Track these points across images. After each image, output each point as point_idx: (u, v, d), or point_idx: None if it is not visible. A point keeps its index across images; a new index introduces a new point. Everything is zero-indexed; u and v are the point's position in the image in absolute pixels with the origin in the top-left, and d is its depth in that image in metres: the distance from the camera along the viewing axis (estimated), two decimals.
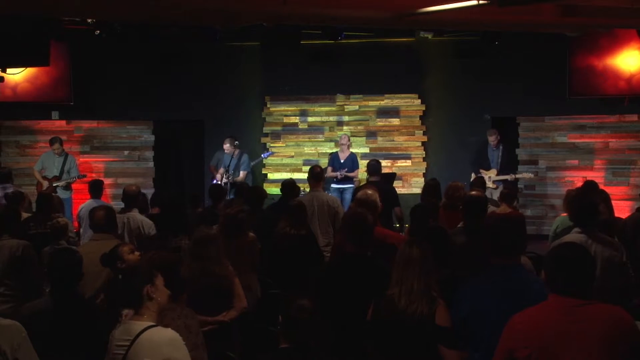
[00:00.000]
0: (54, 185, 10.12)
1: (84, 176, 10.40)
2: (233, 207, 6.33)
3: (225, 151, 10.46)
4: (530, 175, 10.55)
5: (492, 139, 10.47)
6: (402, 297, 3.65)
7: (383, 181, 8.42)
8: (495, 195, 8.80)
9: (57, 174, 10.25)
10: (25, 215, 6.92)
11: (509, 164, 10.52)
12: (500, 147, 10.47)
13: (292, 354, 3.24)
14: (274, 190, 10.86)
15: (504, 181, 10.15)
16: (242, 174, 10.39)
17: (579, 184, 10.19)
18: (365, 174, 10.72)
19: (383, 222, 6.18)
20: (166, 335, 3.17)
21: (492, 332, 3.19)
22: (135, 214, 6.60)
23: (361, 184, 10.00)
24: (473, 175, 10.22)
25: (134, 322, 3.19)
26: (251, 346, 4.86)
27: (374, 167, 8.28)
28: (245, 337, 4.98)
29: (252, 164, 10.73)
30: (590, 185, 7.52)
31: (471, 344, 3.56)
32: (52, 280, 3.93)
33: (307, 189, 8.09)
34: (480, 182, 8.39)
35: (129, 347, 3.14)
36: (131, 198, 6.79)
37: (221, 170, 10.45)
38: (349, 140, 10.67)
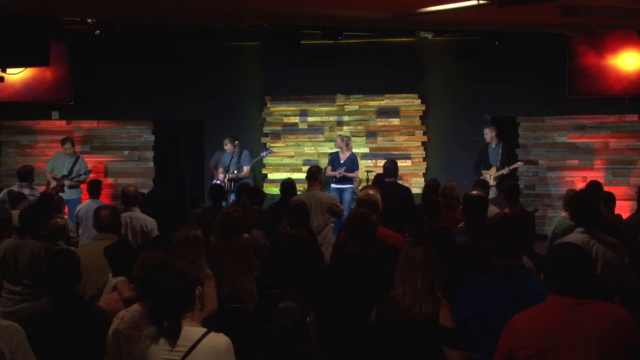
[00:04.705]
0: (62, 183, 10.02)
1: (91, 171, 10.33)
2: (229, 205, 6.28)
3: (227, 151, 10.44)
4: (520, 163, 10.42)
5: (486, 133, 10.42)
6: (405, 296, 3.64)
7: (396, 182, 8.15)
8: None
9: (66, 173, 10.18)
10: None
11: (509, 161, 10.45)
12: (500, 145, 10.41)
13: (290, 353, 3.23)
14: (274, 190, 10.86)
15: (502, 176, 10.08)
16: (245, 169, 10.39)
17: (579, 184, 10.21)
18: (365, 174, 10.79)
19: (397, 223, 6.14)
20: (224, 340, 3.20)
21: (493, 333, 3.18)
22: (137, 213, 6.60)
23: (361, 185, 10.01)
24: None
25: (187, 328, 3.18)
26: (251, 346, 4.84)
27: (388, 169, 8.02)
28: (245, 337, 4.97)
29: (253, 161, 10.70)
30: (594, 185, 7.43)
31: (472, 345, 3.55)
32: (50, 282, 3.90)
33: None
34: (483, 184, 8.31)
35: (187, 353, 3.12)
36: (130, 198, 6.80)
37: (221, 169, 10.44)
38: (343, 141, 10.42)
